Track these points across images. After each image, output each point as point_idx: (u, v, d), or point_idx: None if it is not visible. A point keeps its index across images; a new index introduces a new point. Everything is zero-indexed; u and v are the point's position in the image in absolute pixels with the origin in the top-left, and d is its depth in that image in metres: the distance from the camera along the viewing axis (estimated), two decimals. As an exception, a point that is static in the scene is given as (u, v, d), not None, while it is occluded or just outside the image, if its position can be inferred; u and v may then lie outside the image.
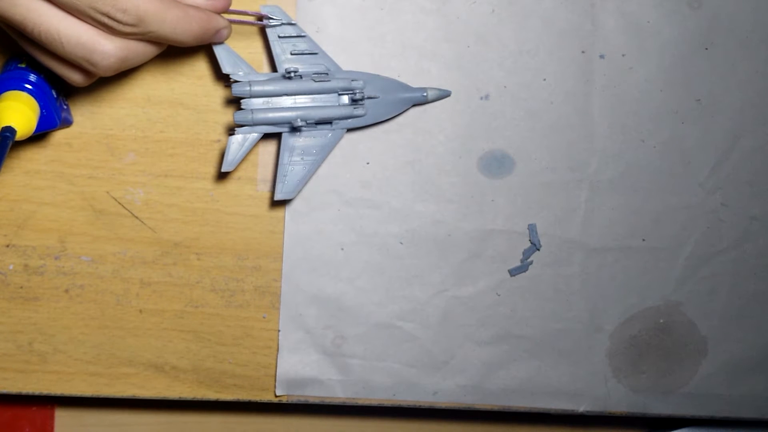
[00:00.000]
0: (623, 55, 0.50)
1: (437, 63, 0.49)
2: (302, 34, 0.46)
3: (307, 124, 0.46)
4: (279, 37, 0.46)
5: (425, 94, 0.48)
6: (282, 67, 0.46)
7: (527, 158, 0.51)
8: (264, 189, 0.50)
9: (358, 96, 0.46)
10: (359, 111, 0.46)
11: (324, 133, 0.47)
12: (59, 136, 0.49)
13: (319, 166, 0.48)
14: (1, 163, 0.38)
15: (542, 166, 0.51)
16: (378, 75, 0.48)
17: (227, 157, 0.46)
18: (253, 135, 0.46)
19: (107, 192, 0.49)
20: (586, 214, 0.51)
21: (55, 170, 0.49)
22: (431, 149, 0.50)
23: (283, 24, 0.46)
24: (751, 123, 0.51)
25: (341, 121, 0.47)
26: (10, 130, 0.40)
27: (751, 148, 0.52)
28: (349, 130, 0.48)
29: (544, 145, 0.51)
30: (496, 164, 0.51)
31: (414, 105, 0.49)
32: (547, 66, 0.50)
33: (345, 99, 0.46)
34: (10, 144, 0.39)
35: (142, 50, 0.40)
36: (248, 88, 0.45)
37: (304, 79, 0.46)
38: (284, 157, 0.47)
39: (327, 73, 0.46)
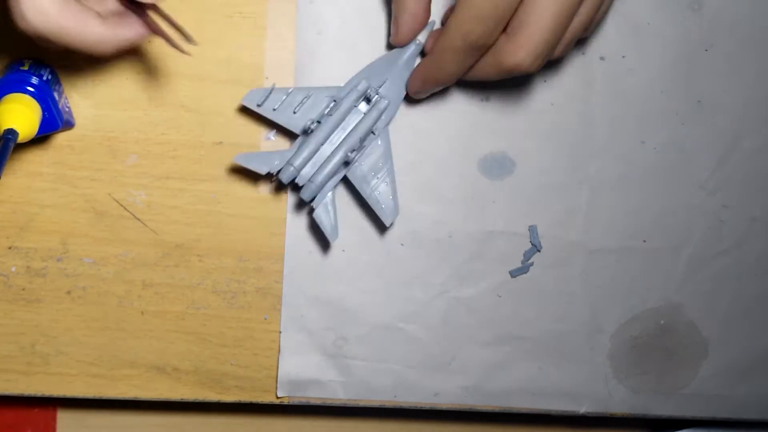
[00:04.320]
0: (623, 57, 0.50)
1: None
2: (288, 90, 0.46)
3: (355, 150, 0.45)
4: (273, 110, 0.46)
5: (418, 42, 0.46)
6: (298, 129, 0.46)
7: (528, 160, 0.51)
8: (265, 191, 0.50)
9: (371, 94, 0.45)
10: (381, 104, 0.46)
11: (374, 144, 0.47)
12: (61, 138, 0.49)
13: (394, 169, 0.47)
14: (3, 166, 0.38)
15: (543, 167, 0.51)
16: (371, 63, 0.47)
17: (327, 230, 0.47)
18: (329, 196, 0.46)
19: (109, 194, 0.49)
20: (586, 215, 0.51)
21: (57, 172, 0.49)
22: (432, 151, 0.50)
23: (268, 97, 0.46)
24: (751, 124, 0.51)
25: (377, 124, 0.46)
26: (12, 133, 0.40)
27: (751, 149, 0.52)
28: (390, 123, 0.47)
29: (545, 147, 0.51)
30: (497, 166, 0.51)
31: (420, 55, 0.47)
32: (547, 67, 0.50)
33: (363, 106, 0.46)
34: (12, 146, 0.39)
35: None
36: (292, 168, 0.45)
37: (322, 122, 0.45)
38: (365, 190, 0.47)
39: (335, 101, 0.46)
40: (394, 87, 0.47)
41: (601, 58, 0.50)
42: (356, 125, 0.46)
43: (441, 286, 0.51)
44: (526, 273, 0.52)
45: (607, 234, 0.52)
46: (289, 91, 0.46)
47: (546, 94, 0.50)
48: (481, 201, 0.51)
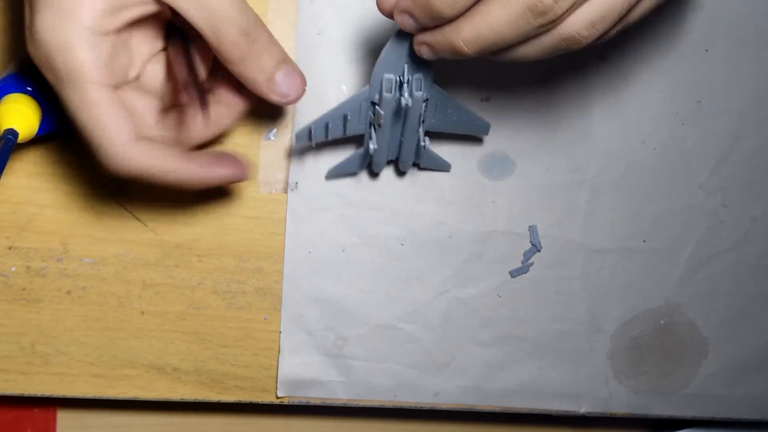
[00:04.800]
0: (623, 57, 0.50)
1: (438, 64, 0.49)
2: (325, 121, 0.44)
3: (425, 118, 0.45)
4: (328, 139, 0.45)
5: None
6: (364, 150, 0.46)
7: (528, 160, 0.51)
8: (265, 191, 0.50)
9: (401, 80, 0.42)
10: (417, 84, 0.42)
11: (433, 104, 0.45)
12: (61, 138, 0.49)
13: (457, 102, 0.45)
14: (4, 166, 0.38)
15: (543, 167, 0.51)
16: (382, 54, 0.42)
17: (442, 168, 0.50)
18: (425, 149, 0.47)
19: (109, 194, 0.49)
20: (586, 215, 0.51)
21: (57, 172, 0.49)
22: (432, 151, 0.50)
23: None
24: (751, 124, 0.51)
25: (426, 90, 0.43)
26: (12, 133, 0.40)
27: (751, 149, 0.52)
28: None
29: (545, 147, 0.51)
30: (497, 166, 0.51)
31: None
32: (547, 68, 0.50)
33: (404, 93, 0.42)
34: (13, 147, 0.39)
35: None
36: (378, 164, 0.47)
37: (377, 132, 0.45)
38: (450, 128, 0.47)
39: (372, 103, 0.44)
40: (415, 63, 0.42)
41: (601, 58, 0.50)
42: (407, 112, 0.44)
43: (441, 286, 0.51)
44: (526, 273, 0.52)
45: (607, 234, 0.52)
46: (327, 121, 0.44)
47: (546, 94, 0.50)
48: (481, 201, 0.51)
